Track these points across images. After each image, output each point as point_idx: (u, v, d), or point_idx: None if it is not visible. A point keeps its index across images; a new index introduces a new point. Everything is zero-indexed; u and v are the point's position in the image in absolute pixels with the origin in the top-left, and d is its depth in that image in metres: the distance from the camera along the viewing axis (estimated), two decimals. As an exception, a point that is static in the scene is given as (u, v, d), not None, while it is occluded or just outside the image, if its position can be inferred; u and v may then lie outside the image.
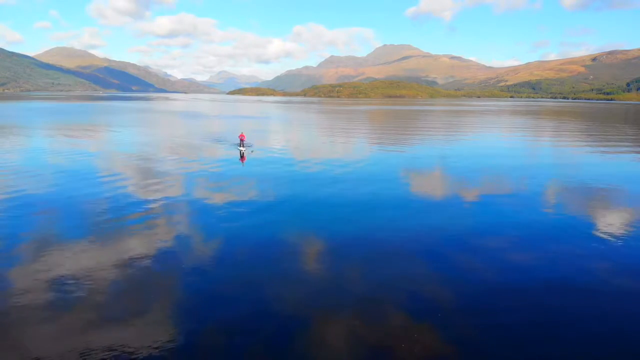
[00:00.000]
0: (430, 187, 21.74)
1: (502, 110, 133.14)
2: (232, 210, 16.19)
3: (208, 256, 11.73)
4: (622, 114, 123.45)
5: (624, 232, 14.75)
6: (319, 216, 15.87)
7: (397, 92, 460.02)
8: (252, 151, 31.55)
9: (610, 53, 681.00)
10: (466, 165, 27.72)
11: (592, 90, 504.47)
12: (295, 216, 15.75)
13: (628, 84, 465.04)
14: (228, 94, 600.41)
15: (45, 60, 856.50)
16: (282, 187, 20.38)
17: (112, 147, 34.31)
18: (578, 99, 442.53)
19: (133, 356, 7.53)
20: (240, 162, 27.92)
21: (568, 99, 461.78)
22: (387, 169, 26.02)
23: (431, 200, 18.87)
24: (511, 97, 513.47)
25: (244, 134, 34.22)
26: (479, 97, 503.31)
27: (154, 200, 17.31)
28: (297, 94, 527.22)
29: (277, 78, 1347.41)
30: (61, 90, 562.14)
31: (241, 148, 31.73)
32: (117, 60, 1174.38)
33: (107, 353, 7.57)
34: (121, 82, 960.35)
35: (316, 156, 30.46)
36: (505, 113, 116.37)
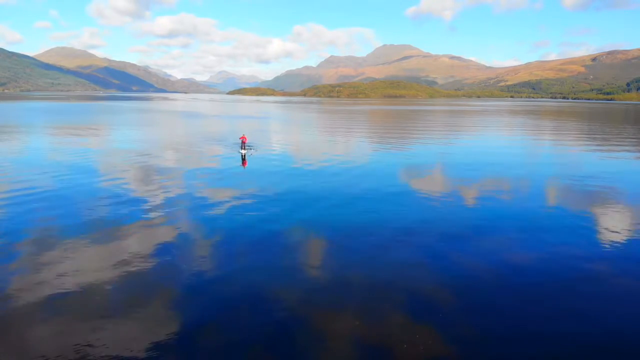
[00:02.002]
0: (450, 195, 21.39)
1: (502, 110, 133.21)
2: (233, 245, 12.86)
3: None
4: (622, 114, 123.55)
5: (625, 232, 14.80)
6: (341, 254, 12.37)
7: (397, 92, 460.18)
8: (251, 153, 31.08)
9: (610, 53, 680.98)
10: (475, 168, 27.73)
11: (592, 90, 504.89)
12: (309, 252, 12.55)
13: (628, 84, 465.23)
14: (228, 94, 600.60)
15: (45, 60, 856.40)
16: (291, 208, 17.08)
17: (106, 158, 29.40)
18: (578, 99, 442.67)
19: (133, 356, 7.56)
20: (242, 166, 26.97)
21: (568, 99, 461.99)
22: (401, 180, 23.50)
23: (447, 206, 18.88)
24: (511, 97, 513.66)
25: (245, 135, 33.55)
26: (478, 97, 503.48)
27: (147, 217, 16.38)
28: (297, 94, 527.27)
29: (277, 78, 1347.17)
30: (61, 91, 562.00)
31: (242, 151, 31.09)
32: (117, 60, 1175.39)
33: (107, 353, 7.60)
34: (121, 82, 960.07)
35: (325, 164, 27.55)
36: (505, 113, 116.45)
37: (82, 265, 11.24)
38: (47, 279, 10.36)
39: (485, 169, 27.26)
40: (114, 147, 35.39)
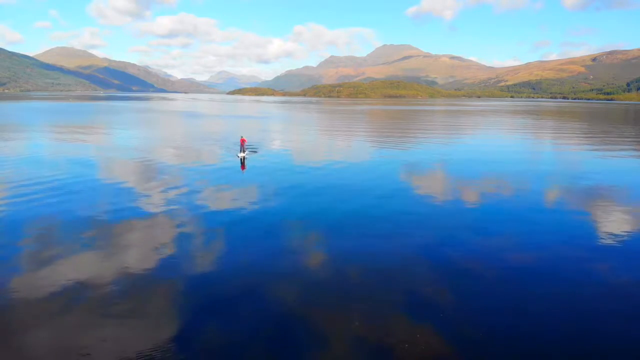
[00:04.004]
0: (452, 198, 21.51)
1: (502, 111, 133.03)
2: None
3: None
4: (622, 115, 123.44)
5: (625, 231, 14.84)
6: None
7: (397, 92, 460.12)
8: (246, 156, 29.64)
9: (610, 53, 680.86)
10: (487, 171, 27.56)
11: (592, 90, 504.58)
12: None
13: (628, 84, 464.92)
14: (228, 94, 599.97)
15: (45, 60, 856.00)
16: (302, 235, 14.38)
17: (94, 170, 24.86)
18: (578, 99, 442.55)
19: (133, 356, 7.64)
20: (241, 170, 25.86)
21: (568, 99, 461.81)
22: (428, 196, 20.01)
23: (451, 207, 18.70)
24: (511, 97, 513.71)
25: (244, 137, 32.00)
26: (479, 97, 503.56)
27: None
28: (297, 94, 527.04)
29: (277, 78, 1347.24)
30: (61, 90, 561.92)
31: (242, 154, 29.96)
32: (117, 60, 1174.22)
33: (107, 354, 7.71)
34: (121, 82, 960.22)
35: (336, 175, 24.29)
36: (505, 113, 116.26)
37: (82, 266, 11.22)
38: (48, 279, 10.46)
39: (506, 175, 27.07)
40: (106, 156, 33.40)
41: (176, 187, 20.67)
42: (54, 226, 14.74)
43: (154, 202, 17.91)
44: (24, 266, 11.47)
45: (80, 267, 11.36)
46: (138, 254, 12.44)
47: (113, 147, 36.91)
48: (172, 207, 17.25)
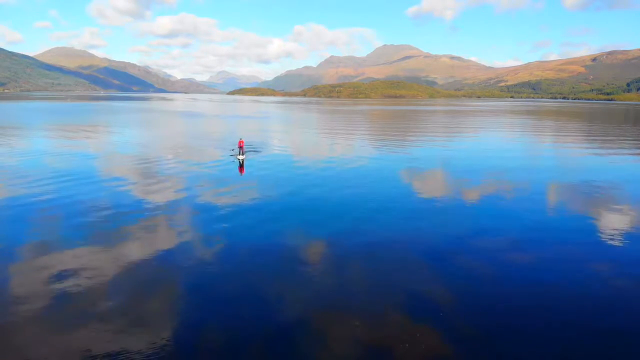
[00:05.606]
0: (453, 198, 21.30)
1: (502, 111, 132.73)
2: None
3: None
4: (622, 115, 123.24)
5: (625, 233, 14.81)
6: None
7: (397, 92, 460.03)
8: (245, 158, 28.88)
9: (610, 53, 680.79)
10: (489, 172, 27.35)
11: (592, 90, 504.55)
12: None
13: (628, 84, 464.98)
14: (228, 94, 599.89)
15: (45, 60, 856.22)
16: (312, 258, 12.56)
17: (89, 174, 24.15)
18: (578, 99, 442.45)
19: (133, 356, 7.67)
20: (240, 174, 25.22)
21: (568, 99, 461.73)
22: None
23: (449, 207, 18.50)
24: (511, 97, 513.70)
25: (242, 140, 31.38)
26: (479, 97, 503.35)
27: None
28: (297, 94, 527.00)
29: (277, 78, 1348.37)
30: (61, 91, 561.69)
31: (240, 156, 29.41)
32: (117, 60, 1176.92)
33: (107, 354, 7.73)
34: (121, 83, 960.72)
35: (344, 184, 22.52)
36: (505, 113, 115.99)
37: (82, 269, 11.17)
38: (48, 283, 10.47)
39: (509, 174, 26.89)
40: (101, 159, 32.40)
41: (172, 194, 19.90)
42: (48, 231, 14.49)
43: (146, 214, 16.51)
44: (25, 266, 11.42)
45: (79, 268, 11.19)
46: (127, 274, 11.66)
47: (109, 149, 36.34)
48: (166, 217, 16.28)
